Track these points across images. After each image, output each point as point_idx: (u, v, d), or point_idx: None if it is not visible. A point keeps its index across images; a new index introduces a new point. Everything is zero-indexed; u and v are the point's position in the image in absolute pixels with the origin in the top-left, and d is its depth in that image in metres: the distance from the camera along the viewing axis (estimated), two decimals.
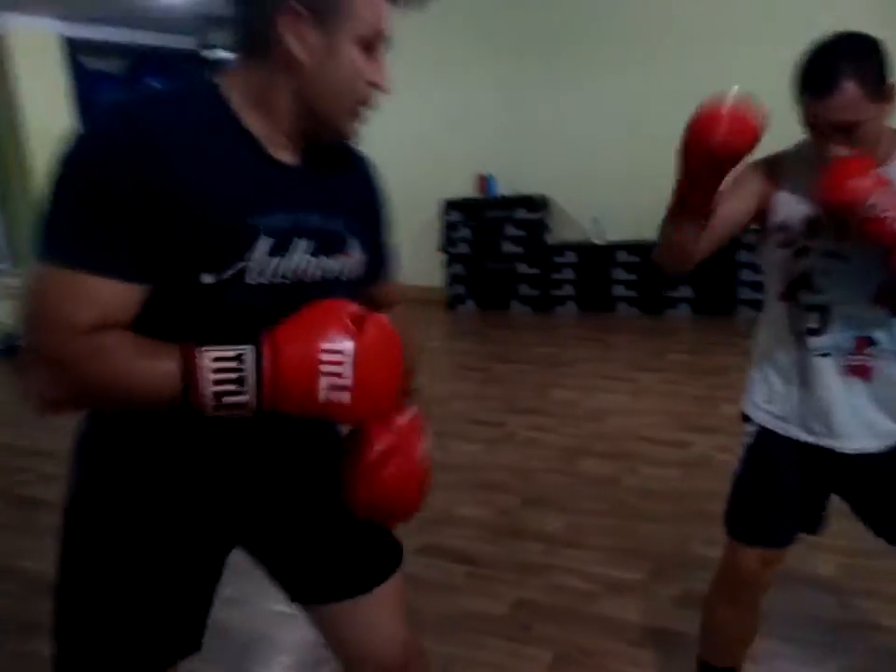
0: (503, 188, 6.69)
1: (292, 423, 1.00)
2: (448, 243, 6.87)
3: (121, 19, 6.63)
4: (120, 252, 0.93)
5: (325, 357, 0.91)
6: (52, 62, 6.48)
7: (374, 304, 1.13)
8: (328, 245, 1.07)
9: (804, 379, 1.55)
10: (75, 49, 6.92)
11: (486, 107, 6.71)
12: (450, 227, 6.82)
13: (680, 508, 2.95)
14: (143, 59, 7.71)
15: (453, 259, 6.90)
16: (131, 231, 0.92)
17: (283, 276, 1.02)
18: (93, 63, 7.38)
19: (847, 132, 1.37)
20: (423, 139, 7.06)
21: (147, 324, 0.96)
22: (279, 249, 1.00)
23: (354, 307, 0.97)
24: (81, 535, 1.11)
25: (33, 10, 6.13)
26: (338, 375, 0.91)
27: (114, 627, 1.10)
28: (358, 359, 0.92)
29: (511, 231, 6.61)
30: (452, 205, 6.79)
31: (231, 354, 0.90)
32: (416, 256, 7.33)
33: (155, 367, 0.91)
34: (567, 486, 3.23)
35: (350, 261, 1.12)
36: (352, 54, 0.99)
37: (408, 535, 1.34)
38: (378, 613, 1.26)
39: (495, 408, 4.23)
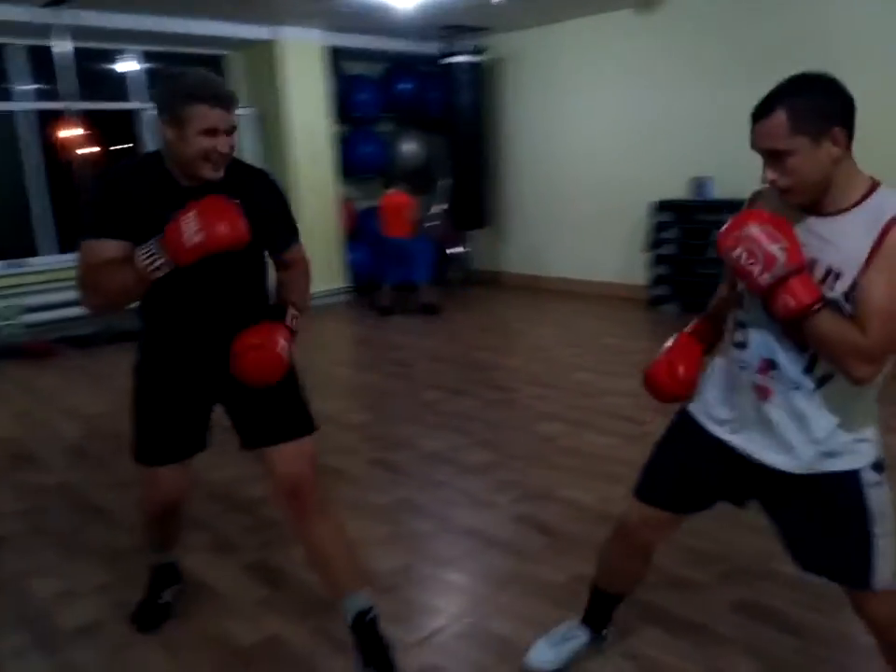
0: (719, 191, 6.52)
1: (227, 328, 1.95)
2: (655, 243, 6.84)
3: (377, 28, 7.44)
4: (112, 228, 1.89)
5: (182, 222, 1.75)
6: (316, 67, 7.46)
7: (285, 263, 2.14)
8: None
9: (731, 384, 1.71)
10: (337, 57, 7.91)
11: (703, 111, 6.58)
12: (659, 228, 6.79)
13: None
14: (395, 64, 8.54)
15: (659, 260, 6.86)
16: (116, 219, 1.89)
17: None
18: (352, 69, 8.34)
19: (775, 161, 1.45)
20: (637, 142, 7.11)
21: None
22: None
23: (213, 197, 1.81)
24: (136, 383, 2.15)
25: (303, 23, 7.13)
26: (191, 227, 1.74)
27: (151, 432, 2.15)
28: (199, 218, 1.75)
29: None
30: (663, 206, 6.76)
31: (148, 246, 1.79)
32: (621, 255, 7.40)
33: (122, 269, 1.82)
34: None
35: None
36: (197, 140, 1.83)
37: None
38: (282, 457, 2.06)
39: (644, 406, 4.27)
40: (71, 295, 6.23)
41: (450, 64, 7.89)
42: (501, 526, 2.99)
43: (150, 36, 6.74)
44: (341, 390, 5.03)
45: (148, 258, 1.76)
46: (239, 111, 7.21)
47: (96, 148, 6.75)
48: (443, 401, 4.53)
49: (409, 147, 8.60)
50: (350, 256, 8.02)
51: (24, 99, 6.51)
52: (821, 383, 1.55)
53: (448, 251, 8.61)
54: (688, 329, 1.88)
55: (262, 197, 2.04)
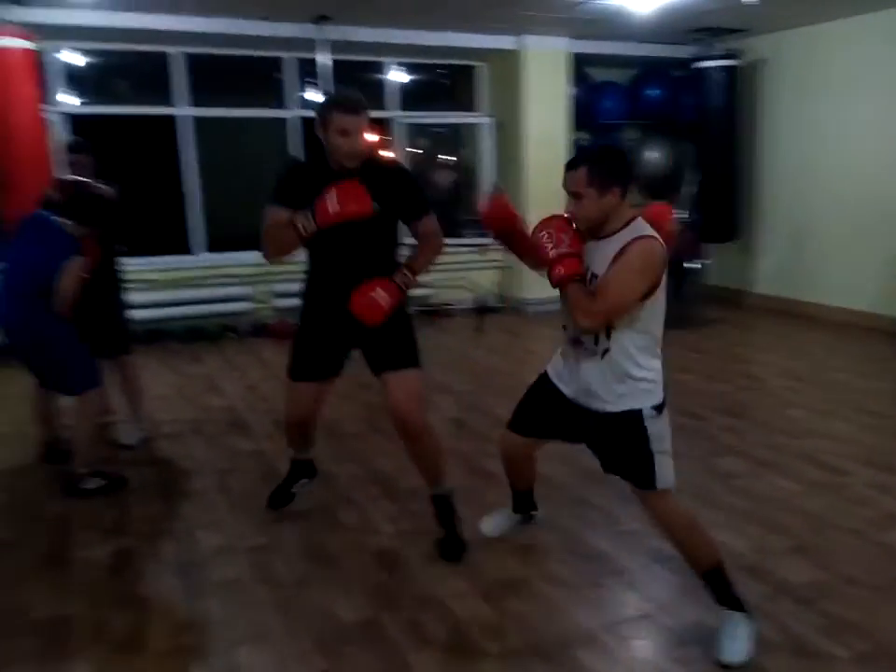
0: None
1: (360, 282, 2.62)
2: None
3: (625, 34, 7.32)
4: (285, 200, 2.67)
5: (325, 197, 2.48)
6: (558, 75, 7.52)
7: (416, 233, 2.79)
8: None
9: (565, 355, 2.45)
10: (582, 63, 7.91)
11: None
12: None
13: None
14: (644, 69, 8.33)
15: None
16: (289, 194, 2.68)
17: None
18: (599, 75, 8.27)
19: (575, 200, 2.22)
20: None
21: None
22: None
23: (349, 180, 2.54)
24: (299, 321, 2.92)
25: (548, 32, 7.23)
26: (332, 201, 2.47)
27: (302, 356, 2.92)
28: (337, 194, 2.47)
29: None
30: None
31: (304, 212, 2.52)
32: (877, 281, 6.56)
33: (287, 228, 2.56)
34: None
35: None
36: (336, 138, 2.56)
37: None
38: (395, 385, 2.76)
39: (850, 455, 3.80)
40: None
41: (701, 69, 7.53)
42: (629, 559, 2.87)
43: (406, 49, 7.27)
44: None
45: (303, 220, 2.52)
46: (477, 119, 7.52)
47: None
48: None
49: (653, 155, 8.36)
50: None
51: (294, 107, 7.33)
52: (604, 354, 2.25)
53: (685, 264, 8.21)
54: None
55: (394, 182, 2.73)
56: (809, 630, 2.39)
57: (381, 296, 2.59)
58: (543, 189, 7.50)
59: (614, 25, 6.79)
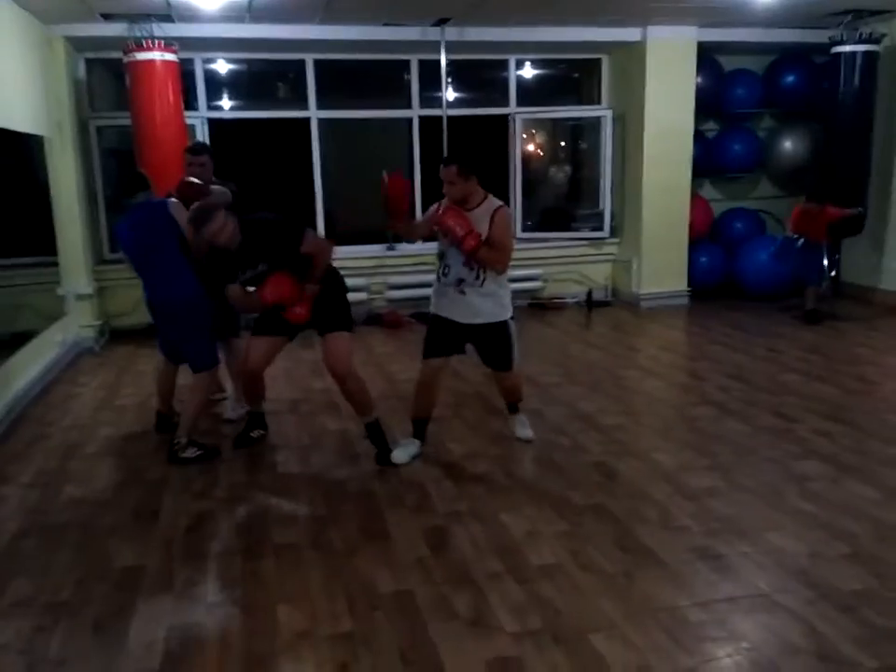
0: None
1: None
2: None
3: (757, 20, 6.99)
4: None
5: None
6: (685, 65, 7.30)
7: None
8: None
9: (442, 293, 3.68)
10: (712, 52, 7.63)
11: None
12: None
13: None
14: (780, 56, 7.91)
15: None
16: None
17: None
18: (731, 63, 7.94)
19: (450, 186, 3.52)
20: None
21: None
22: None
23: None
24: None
25: (675, 21, 7.04)
26: None
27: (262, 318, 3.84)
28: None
29: None
30: None
31: None
32: None
33: None
34: None
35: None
36: None
37: None
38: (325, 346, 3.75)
39: None
40: (428, 277, 7.22)
41: (840, 53, 7.05)
42: (672, 554, 2.84)
43: (527, 46, 7.33)
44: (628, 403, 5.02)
45: None
46: (597, 112, 7.44)
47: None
48: (705, 418, 4.32)
49: (787, 145, 7.95)
50: (698, 258, 7.72)
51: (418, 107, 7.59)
52: (482, 284, 3.57)
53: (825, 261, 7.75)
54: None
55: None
56: (842, 637, 2.30)
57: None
58: (661, 179, 7.35)
59: (744, 12, 6.53)
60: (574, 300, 7.75)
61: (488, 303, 3.61)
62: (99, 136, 6.87)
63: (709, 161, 7.87)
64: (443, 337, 3.69)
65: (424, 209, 7.06)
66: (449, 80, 7.93)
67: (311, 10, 6.09)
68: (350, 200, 8.35)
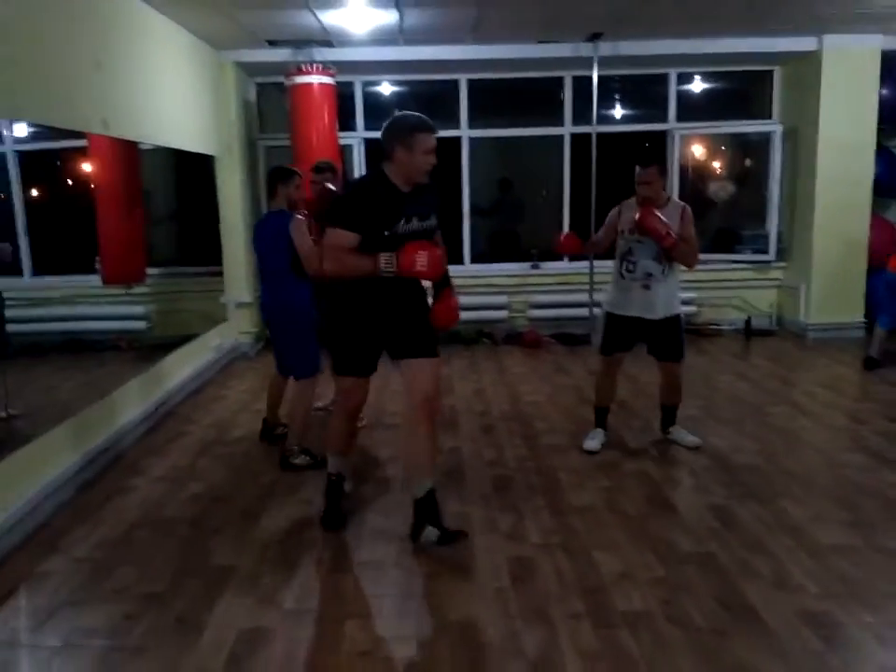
0: None
1: (407, 285, 3.00)
2: None
3: None
4: (352, 224, 2.87)
5: (418, 255, 2.81)
6: (867, 75, 6.65)
7: (436, 241, 3.06)
8: (423, 216, 2.98)
9: (625, 290, 3.97)
10: None
11: None
12: None
13: None
14: None
15: None
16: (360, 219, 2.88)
17: (407, 230, 2.91)
18: None
19: (647, 186, 3.86)
20: None
21: (366, 248, 2.86)
22: (408, 220, 2.92)
23: (428, 242, 2.91)
24: (338, 316, 3.12)
25: (856, 29, 6.43)
26: (420, 262, 2.81)
27: (345, 353, 3.16)
28: (428, 259, 2.81)
29: None
30: None
31: (388, 255, 2.82)
32: None
33: (362, 259, 2.85)
34: None
35: (430, 221, 3.02)
36: (420, 157, 2.86)
37: None
38: (416, 370, 3.05)
39: None
40: (572, 297, 7.09)
41: None
42: (775, 617, 2.53)
43: (688, 59, 7.00)
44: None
45: (386, 264, 2.83)
46: (764, 126, 6.95)
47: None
48: (855, 466, 3.82)
49: None
50: (880, 286, 6.94)
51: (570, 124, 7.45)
52: (667, 278, 3.91)
53: None
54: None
55: (433, 200, 3.08)
56: None
57: (454, 303, 3.23)
58: (837, 199, 6.73)
59: None
60: (732, 327, 7.25)
61: (668, 297, 3.90)
62: (268, 156, 7.34)
63: None
64: (624, 334, 4.00)
65: (574, 226, 6.99)
66: (617, 97, 7.79)
67: (461, 30, 6.16)
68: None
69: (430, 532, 3.01)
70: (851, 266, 6.85)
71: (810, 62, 6.79)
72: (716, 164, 8.12)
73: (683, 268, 3.97)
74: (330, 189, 4.28)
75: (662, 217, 3.73)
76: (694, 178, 7.74)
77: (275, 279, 3.97)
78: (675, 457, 4.06)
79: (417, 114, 2.91)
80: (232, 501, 3.59)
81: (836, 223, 6.77)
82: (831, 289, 6.87)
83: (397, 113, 2.97)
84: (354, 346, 3.11)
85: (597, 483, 3.72)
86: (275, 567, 2.94)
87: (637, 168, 3.84)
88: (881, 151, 6.95)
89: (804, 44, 6.71)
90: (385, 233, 2.84)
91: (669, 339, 3.99)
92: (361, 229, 2.83)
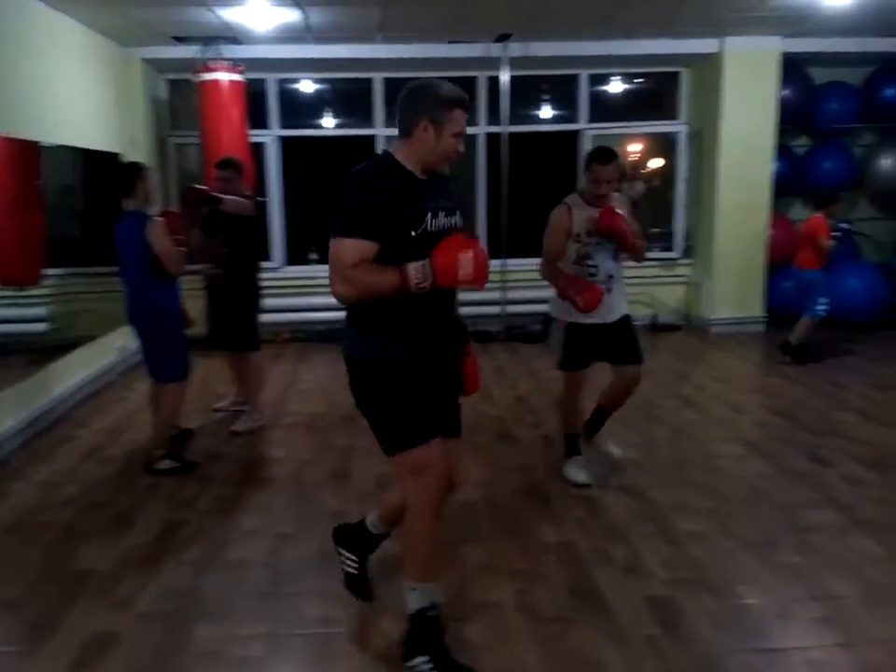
0: None
1: (445, 314, 2.30)
2: None
3: (853, 29, 6.48)
4: (366, 229, 2.11)
5: (461, 257, 2.10)
6: (767, 78, 6.86)
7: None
8: (450, 212, 2.27)
9: None
10: (802, 63, 7.13)
11: None
12: None
13: None
14: (882, 67, 7.29)
15: None
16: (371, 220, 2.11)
17: (437, 228, 2.20)
18: (825, 76, 7.39)
19: (608, 183, 3.43)
20: None
21: (386, 256, 2.12)
22: (435, 215, 2.19)
23: (463, 237, 2.19)
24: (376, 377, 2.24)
25: (755, 31, 6.63)
26: (464, 268, 2.10)
27: (407, 417, 2.21)
28: (474, 262, 2.11)
29: None
30: None
31: (419, 264, 2.09)
32: None
33: (385, 276, 2.10)
34: None
35: (457, 219, 2.31)
36: (449, 140, 2.17)
37: None
38: (453, 447, 2.35)
39: None
40: (485, 295, 7.07)
41: None
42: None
43: (597, 60, 7.12)
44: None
45: (417, 275, 2.08)
46: (671, 127, 7.11)
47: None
48: (727, 456, 3.96)
49: (888, 162, 7.32)
50: (780, 283, 7.19)
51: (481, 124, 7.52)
52: (621, 277, 3.59)
53: None
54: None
55: (452, 191, 2.40)
56: None
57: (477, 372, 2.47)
58: (737, 199, 6.94)
59: (826, 20, 6.06)
60: (640, 323, 7.39)
61: (622, 296, 3.61)
62: (178, 153, 7.24)
63: (798, 179, 7.35)
64: (587, 344, 3.55)
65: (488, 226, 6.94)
66: (530, 98, 7.87)
67: (369, 30, 6.17)
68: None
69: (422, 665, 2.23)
70: (752, 263, 7.07)
71: (713, 63, 6.99)
72: (627, 164, 8.29)
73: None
74: (198, 189, 4.18)
75: (623, 215, 3.39)
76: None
77: (137, 283, 3.83)
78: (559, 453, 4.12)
79: (451, 84, 2.21)
80: (108, 506, 3.54)
81: (737, 221, 6.98)
82: (732, 286, 7.08)
83: (421, 79, 2.26)
84: (414, 403, 2.24)
85: (478, 476, 3.77)
86: (138, 571, 2.92)
87: (595, 165, 3.38)
88: (783, 152, 7.19)
89: (706, 46, 6.90)
90: (412, 234, 2.13)
91: (627, 339, 3.58)
92: (379, 233, 2.11)
